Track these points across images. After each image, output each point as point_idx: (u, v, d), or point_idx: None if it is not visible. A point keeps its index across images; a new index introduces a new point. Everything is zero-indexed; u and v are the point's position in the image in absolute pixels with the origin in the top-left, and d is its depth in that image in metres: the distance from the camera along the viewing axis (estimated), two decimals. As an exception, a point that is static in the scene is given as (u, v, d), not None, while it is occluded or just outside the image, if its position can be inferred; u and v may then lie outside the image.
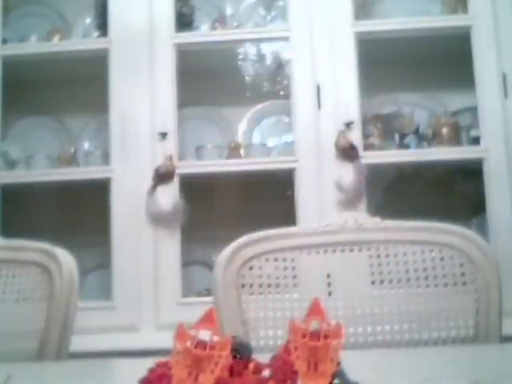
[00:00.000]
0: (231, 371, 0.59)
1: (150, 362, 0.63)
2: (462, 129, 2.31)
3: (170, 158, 2.20)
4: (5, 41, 2.38)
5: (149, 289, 2.15)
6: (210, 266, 2.24)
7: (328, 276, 1.37)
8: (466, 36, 2.21)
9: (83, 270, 1.68)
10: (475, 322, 1.29)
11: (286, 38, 2.30)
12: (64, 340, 1.31)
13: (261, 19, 2.47)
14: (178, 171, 2.21)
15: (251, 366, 0.60)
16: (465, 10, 2.26)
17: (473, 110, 2.26)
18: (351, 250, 1.38)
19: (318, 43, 2.24)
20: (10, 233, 1.54)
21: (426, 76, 2.38)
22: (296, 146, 2.22)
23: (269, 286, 1.35)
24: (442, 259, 1.34)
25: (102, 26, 2.35)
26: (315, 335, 0.54)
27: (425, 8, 2.36)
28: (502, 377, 0.80)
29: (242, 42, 2.43)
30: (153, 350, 1.04)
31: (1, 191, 2.25)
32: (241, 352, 0.61)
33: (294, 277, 1.36)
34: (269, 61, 2.51)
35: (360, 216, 1.44)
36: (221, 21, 2.44)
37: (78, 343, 1.35)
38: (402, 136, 2.31)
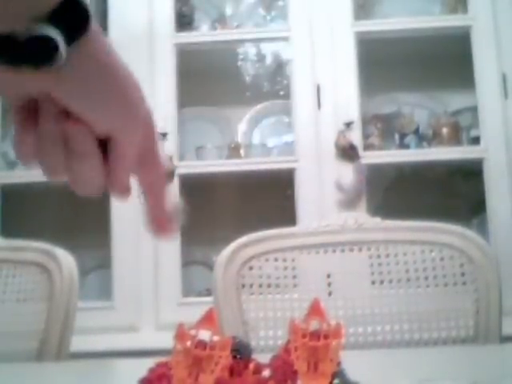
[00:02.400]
0: (231, 371, 0.59)
1: (150, 362, 0.63)
2: (462, 129, 2.31)
3: (170, 158, 2.20)
4: (5, 41, 2.37)
5: (149, 289, 2.15)
6: (210, 266, 2.24)
7: (328, 276, 1.37)
8: (466, 36, 2.21)
9: (83, 270, 1.68)
10: (475, 322, 1.29)
11: (285, 38, 2.30)
12: (64, 340, 1.31)
13: (261, 19, 2.47)
14: (177, 171, 2.21)
15: (251, 366, 0.60)
16: (465, 10, 2.26)
17: (473, 110, 2.26)
18: (351, 250, 1.38)
19: (318, 43, 2.24)
20: (10, 233, 1.54)
21: (426, 76, 2.38)
22: (296, 146, 2.22)
23: (269, 286, 1.35)
24: (442, 259, 1.34)
25: (102, 25, 2.35)
26: (315, 335, 0.54)
27: (425, 8, 2.36)
28: (501, 377, 0.80)
29: (242, 42, 2.43)
30: (153, 350, 1.04)
31: (1, 191, 2.25)
32: (241, 352, 0.61)
33: (294, 277, 1.36)
34: (269, 61, 2.51)
35: (360, 216, 1.44)
36: (221, 21, 2.44)
37: (78, 343, 1.36)
38: (402, 136, 2.31)
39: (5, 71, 0.45)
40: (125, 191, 0.55)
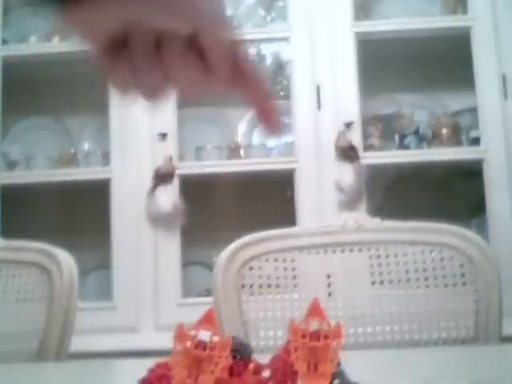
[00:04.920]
0: (231, 372, 0.59)
1: (149, 363, 0.63)
2: (461, 129, 2.31)
3: (170, 159, 2.20)
4: (5, 41, 2.38)
5: (149, 289, 2.15)
6: (210, 267, 2.24)
7: (328, 276, 1.37)
8: (466, 36, 2.21)
9: (83, 270, 1.68)
10: (475, 322, 1.29)
11: (285, 39, 2.30)
12: (64, 340, 1.31)
13: (261, 20, 2.47)
14: (177, 172, 2.21)
15: (251, 366, 0.60)
16: (464, 10, 2.26)
17: (473, 111, 2.26)
18: (351, 251, 1.38)
19: (318, 43, 2.24)
20: (10, 233, 1.54)
21: (426, 76, 2.38)
22: (296, 146, 2.22)
23: (269, 286, 1.35)
24: (441, 260, 1.34)
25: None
26: (315, 336, 0.54)
27: (424, 8, 2.36)
28: (501, 377, 0.80)
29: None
30: (153, 351, 1.04)
31: (1, 191, 2.25)
32: (241, 352, 0.61)
33: (294, 277, 1.36)
34: (269, 61, 2.51)
35: (360, 217, 1.44)
36: (221, 21, 2.44)
37: (78, 343, 1.36)
38: (402, 136, 2.31)
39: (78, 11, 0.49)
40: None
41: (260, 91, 0.57)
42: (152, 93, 0.56)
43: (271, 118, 0.57)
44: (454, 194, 2.35)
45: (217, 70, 0.54)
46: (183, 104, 2.29)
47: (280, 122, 0.58)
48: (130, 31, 0.52)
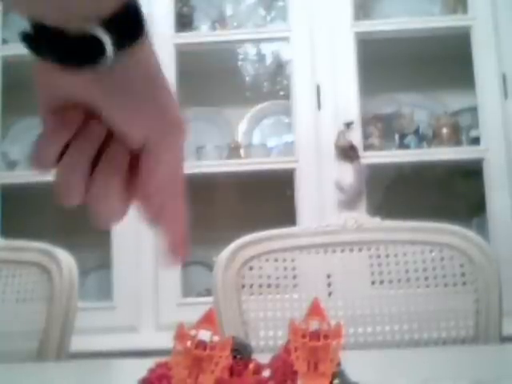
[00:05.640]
0: (231, 371, 0.59)
1: (149, 363, 0.63)
2: (461, 129, 2.31)
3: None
4: (5, 41, 2.38)
5: (149, 289, 2.15)
6: (210, 267, 2.24)
7: (328, 276, 1.37)
8: (466, 36, 2.21)
9: (83, 270, 1.68)
10: (475, 322, 1.29)
11: (285, 39, 2.30)
12: (64, 340, 1.31)
13: (261, 19, 2.47)
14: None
15: (251, 366, 0.60)
16: (464, 10, 2.26)
17: (473, 111, 2.26)
18: (351, 250, 1.38)
19: (318, 43, 2.24)
20: (10, 233, 1.54)
21: (426, 76, 2.38)
22: (296, 146, 2.22)
23: (269, 286, 1.35)
24: (442, 259, 1.34)
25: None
26: (315, 335, 0.54)
27: (424, 8, 2.36)
28: (501, 377, 0.80)
29: (242, 42, 2.43)
30: (153, 351, 1.04)
31: (1, 191, 2.25)
32: (241, 352, 0.61)
33: (294, 277, 1.36)
34: (269, 61, 2.51)
35: (360, 216, 1.44)
36: (221, 21, 2.44)
37: (78, 343, 1.36)
38: (402, 136, 2.31)
39: (48, 67, 0.45)
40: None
41: (180, 225, 0.56)
42: (68, 189, 0.50)
43: (179, 250, 0.56)
44: (453, 193, 2.35)
45: (145, 196, 0.54)
46: (183, 103, 2.28)
47: (184, 256, 0.57)
48: (84, 115, 0.48)
